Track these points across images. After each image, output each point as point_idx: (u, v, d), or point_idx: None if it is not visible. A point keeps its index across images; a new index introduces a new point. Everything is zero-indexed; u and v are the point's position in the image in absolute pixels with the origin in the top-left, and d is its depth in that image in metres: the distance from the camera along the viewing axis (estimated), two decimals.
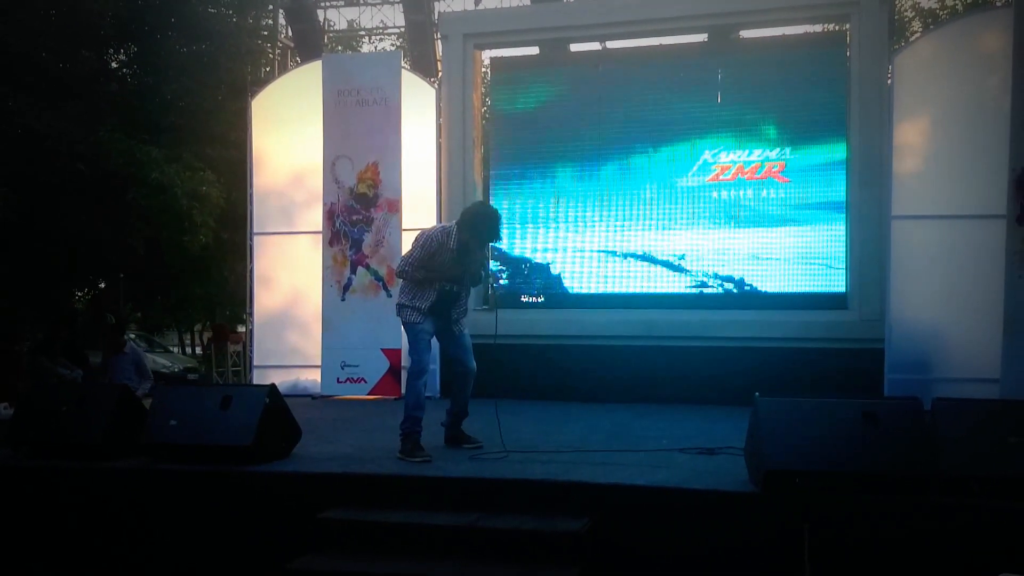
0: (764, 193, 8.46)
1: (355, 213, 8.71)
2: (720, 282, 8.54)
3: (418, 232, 5.62)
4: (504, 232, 5.41)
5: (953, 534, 4.02)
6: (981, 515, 4.03)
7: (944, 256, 7.46)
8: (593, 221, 8.86)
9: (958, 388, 6.78)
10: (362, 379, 8.50)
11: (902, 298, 7.52)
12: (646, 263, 8.73)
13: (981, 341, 7.13)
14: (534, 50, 9.35)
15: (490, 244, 5.67)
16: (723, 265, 8.53)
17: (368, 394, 8.47)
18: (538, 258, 9.00)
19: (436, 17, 12.98)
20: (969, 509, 4.05)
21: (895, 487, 4.18)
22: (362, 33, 18.82)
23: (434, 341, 5.62)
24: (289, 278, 9.26)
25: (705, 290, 8.57)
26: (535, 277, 9.02)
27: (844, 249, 8.25)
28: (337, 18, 26.93)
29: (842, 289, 8.26)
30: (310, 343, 8.96)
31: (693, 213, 8.62)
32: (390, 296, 8.27)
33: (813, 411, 4.43)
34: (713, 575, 4.22)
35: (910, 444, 4.26)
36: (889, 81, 7.85)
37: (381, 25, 19.01)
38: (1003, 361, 6.82)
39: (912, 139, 7.67)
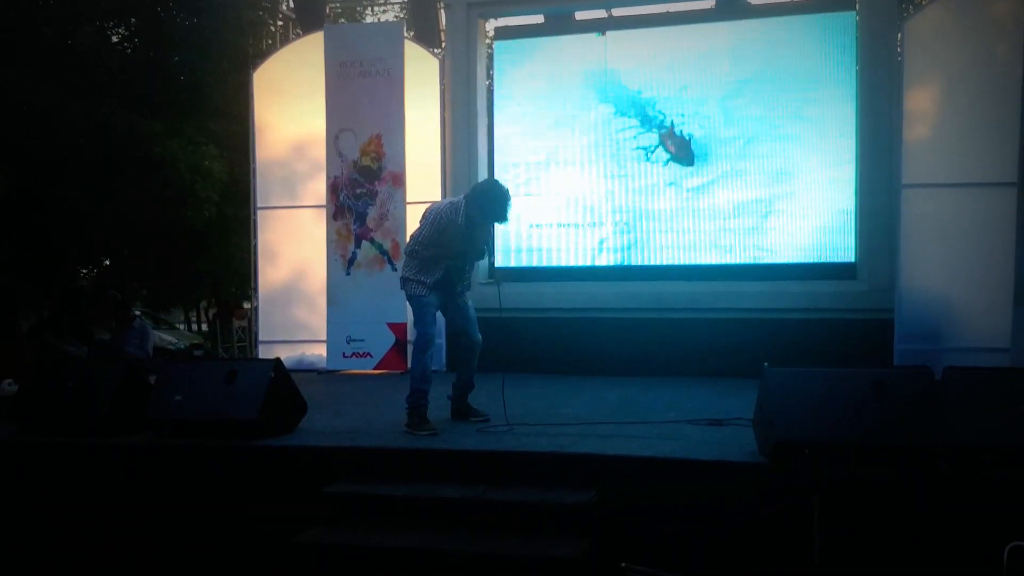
0: (772, 162, 8.36)
1: (359, 186, 8.65)
2: (728, 253, 8.47)
3: (424, 207, 5.59)
4: (510, 212, 5.40)
5: (964, 504, 4.00)
6: (992, 484, 4.00)
7: (954, 224, 7.36)
8: (598, 191, 8.79)
9: (968, 357, 6.70)
10: (368, 354, 8.48)
11: (912, 267, 7.44)
12: (652, 237, 8.67)
13: (991, 310, 7.07)
14: (539, 18, 9.23)
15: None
16: (731, 236, 8.46)
17: (374, 368, 8.46)
18: (543, 230, 8.93)
19: None
20: (980, 479, 4.02)
21: (905, 457, 4.15)
22: (365, 3, 18.62)
23: (439, 315, 5.59)
24: (293, 253, 9.21)
25: (713, 261, 8.51)
26: (539, 248, 8.96)
27: (853, 218, 8.17)
28: None
29: (851, 259, 8.19)
30: (315, 318, 8.93)
31: (700, 182, 8.55)
32: (395, 270, 8.22)
33: (822, 381, 4.40)
34: (721, 546, 4.20)
35: (920, 414, 4.22)
36: (899, 47, 7.73)
37: None
38: (1013, 330, 6.77)
39: (922, 106, 7.55)
